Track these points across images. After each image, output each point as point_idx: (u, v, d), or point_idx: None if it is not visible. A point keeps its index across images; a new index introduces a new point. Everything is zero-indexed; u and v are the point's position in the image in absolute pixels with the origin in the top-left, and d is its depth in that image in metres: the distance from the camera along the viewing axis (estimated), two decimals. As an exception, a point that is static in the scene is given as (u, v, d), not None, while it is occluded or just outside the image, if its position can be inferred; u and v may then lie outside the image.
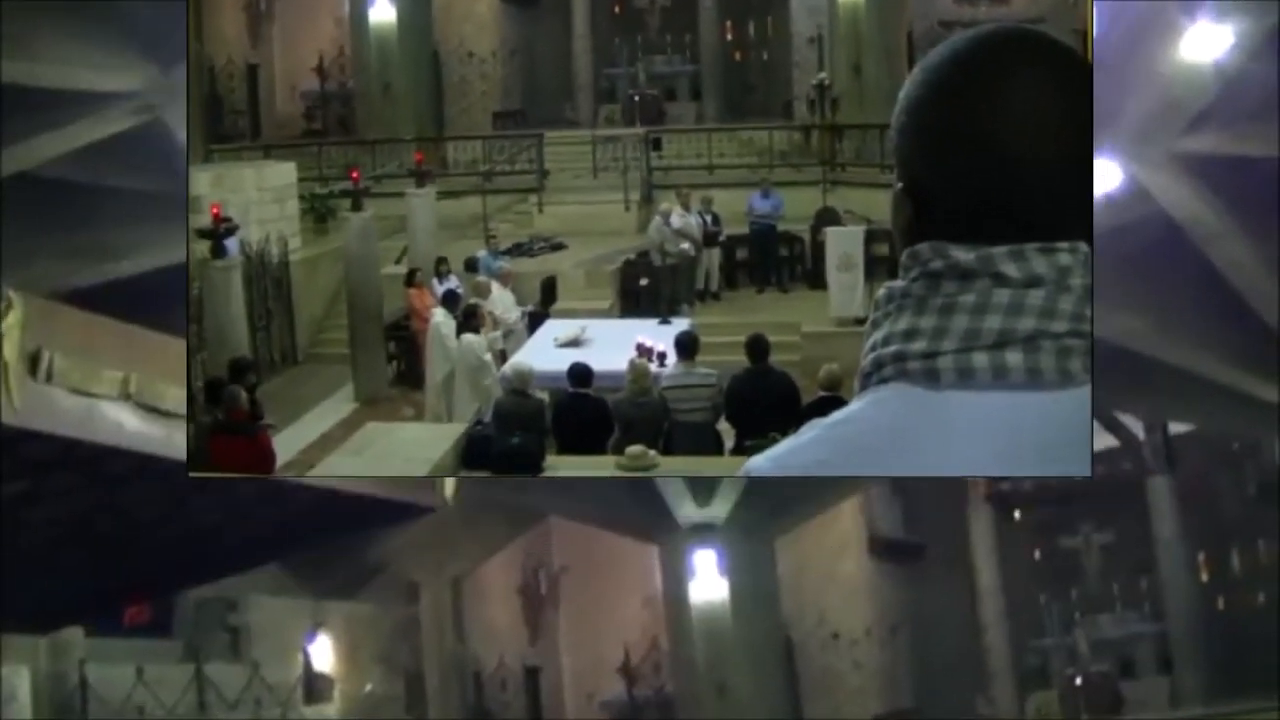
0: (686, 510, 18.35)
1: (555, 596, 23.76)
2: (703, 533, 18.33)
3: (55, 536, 13.16)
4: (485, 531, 21.72)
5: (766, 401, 14.01)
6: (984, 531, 25.81)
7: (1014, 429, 1.83)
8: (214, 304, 18.44)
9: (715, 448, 14.71)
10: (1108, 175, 12.86)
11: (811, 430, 1.97)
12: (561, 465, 13.98)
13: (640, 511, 18.90)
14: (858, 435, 1.92)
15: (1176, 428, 24.40)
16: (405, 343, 22.25)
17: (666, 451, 14.07)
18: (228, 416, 13.70)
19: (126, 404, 10.65)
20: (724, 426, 14.89)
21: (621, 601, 23.06)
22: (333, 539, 18.54)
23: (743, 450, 13.98)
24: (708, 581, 18.29)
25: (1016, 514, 26.67)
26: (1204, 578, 24.84)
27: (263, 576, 19.14)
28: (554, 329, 19.17)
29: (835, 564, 23.31)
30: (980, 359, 1.84)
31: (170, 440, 11.54)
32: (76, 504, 12.32)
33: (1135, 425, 24.72)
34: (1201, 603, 24.45)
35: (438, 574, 22.06)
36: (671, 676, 20.79)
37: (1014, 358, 1.84)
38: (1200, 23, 11.26)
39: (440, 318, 19.05)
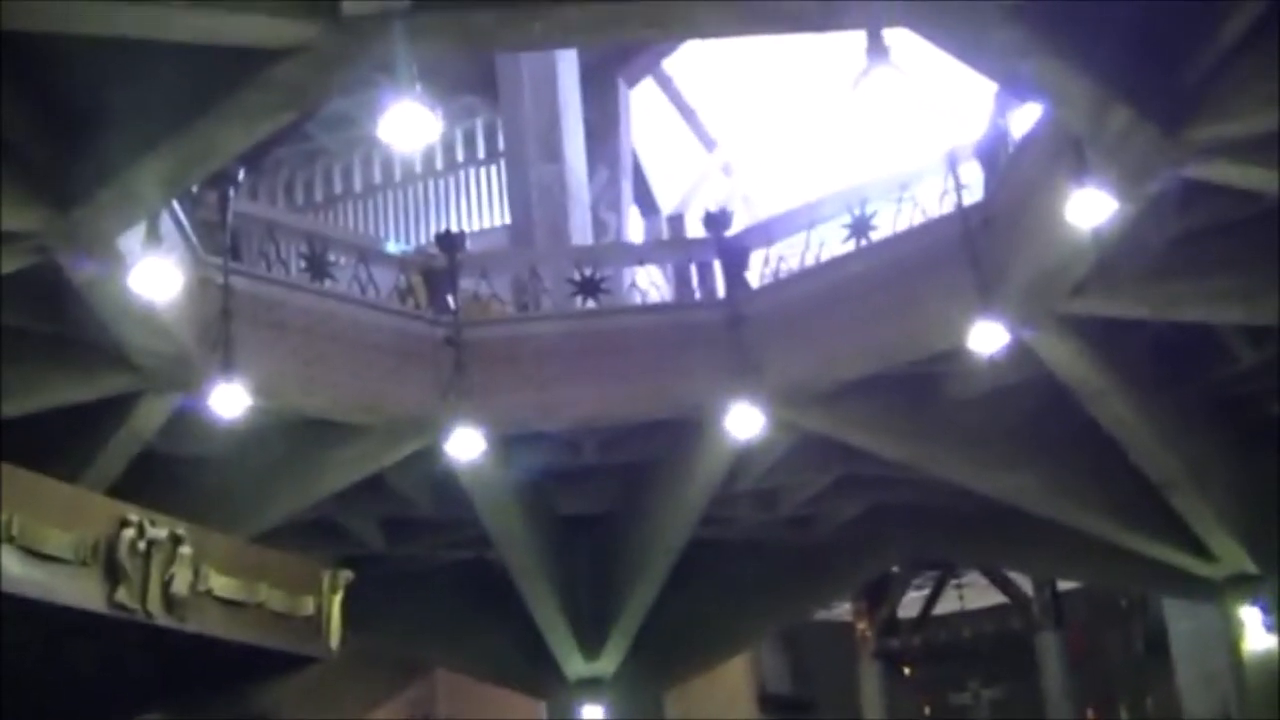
0: (574, 665, 18.19)
1: (441, 748, 23.44)
2: (591, 687, 18.17)
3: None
4: (371, 682, 21.39)
5: None
6: (874, 686, 25.78)
7: None
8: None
9: None
10: (994, 337, 13.02)
11: None
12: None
13: (528, 666, 18.71)
14: None
15: (1065, 584, 24.61)
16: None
17: None
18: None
19: (9, 548, 10.46)
20: None
21: (508, 754, 22.75)
22: (215, 687, 18.17)
23: None
24: (595, 735, 18.15)
25: (906, 669, 26.66)
26: (1093, 733, 24.96)
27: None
28: None
29: (725, 717, 23.14)
30: None
31: (51, 584, 11.32)
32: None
33: (1024, 582, 24.94)
34: (1090, 758, 24.56)
35: (322, 723, 21.67)
36: (558, 829, 20.41)
37: None
38: (1086, 189, 11.47)
39: None
